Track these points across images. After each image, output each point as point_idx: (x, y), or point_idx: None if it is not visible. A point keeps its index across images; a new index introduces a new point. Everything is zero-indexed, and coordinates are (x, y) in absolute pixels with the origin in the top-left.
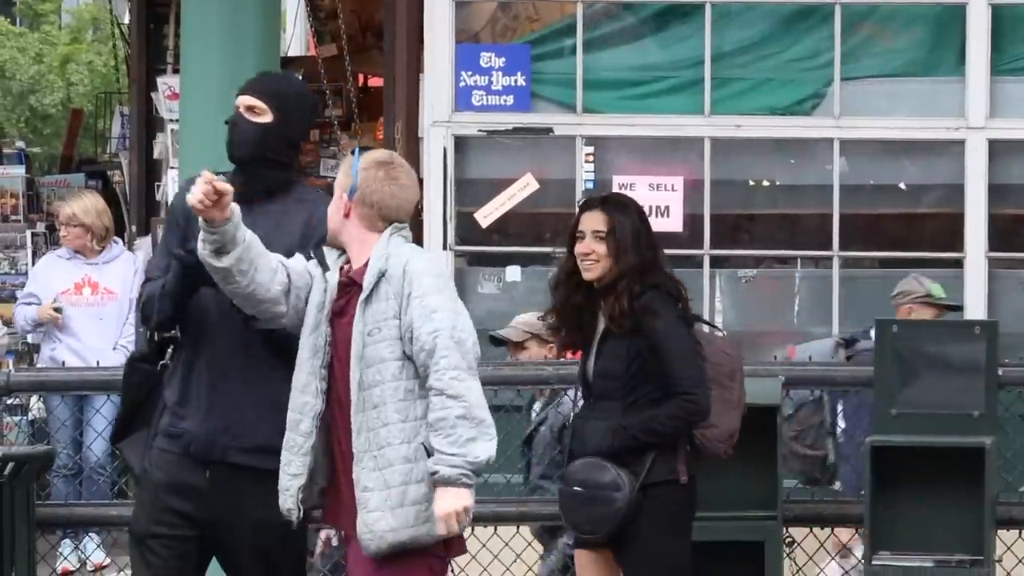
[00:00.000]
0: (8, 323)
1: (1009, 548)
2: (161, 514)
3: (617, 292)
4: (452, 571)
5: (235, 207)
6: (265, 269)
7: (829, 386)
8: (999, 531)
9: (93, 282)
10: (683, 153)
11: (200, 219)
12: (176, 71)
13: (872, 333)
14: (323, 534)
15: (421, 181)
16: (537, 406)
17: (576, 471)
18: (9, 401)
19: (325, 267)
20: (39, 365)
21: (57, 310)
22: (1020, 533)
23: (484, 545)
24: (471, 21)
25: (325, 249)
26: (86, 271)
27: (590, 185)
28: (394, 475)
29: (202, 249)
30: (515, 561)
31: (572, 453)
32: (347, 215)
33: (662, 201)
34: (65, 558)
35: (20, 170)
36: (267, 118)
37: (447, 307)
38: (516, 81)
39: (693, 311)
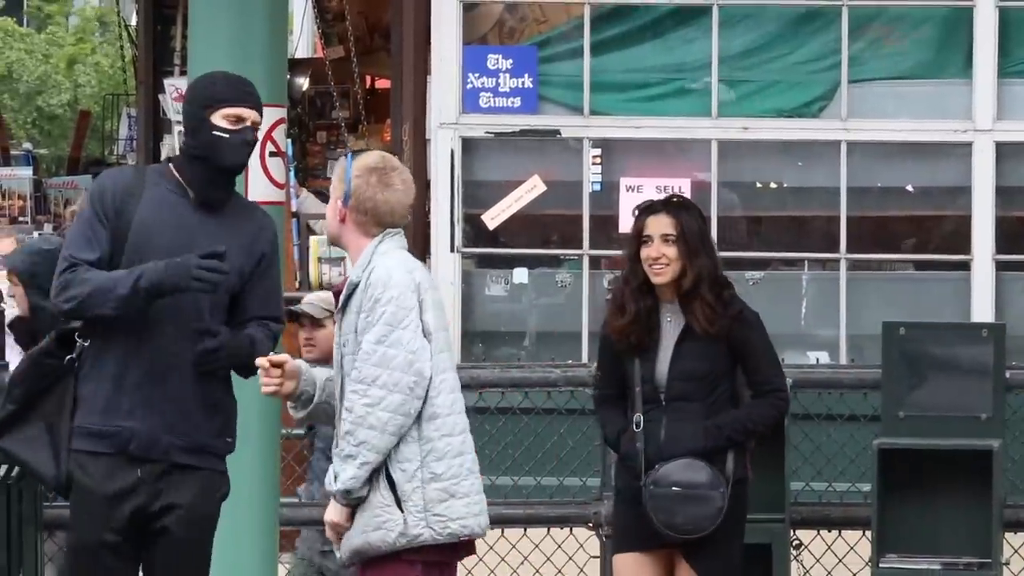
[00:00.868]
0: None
1: (1016, 551)
2: (109, 521)
3: (701, 296)
4: (459, 573)
5: (299, 364)
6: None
7: (836, 388)
8: (1007, 534)
9: None
10: (690, 155)
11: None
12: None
13: None
14: None
15: (428, 183)
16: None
17: (672, 472)
18: None
19: None
20: None
21: None
22: None
23: (492, 547)
24: (478, 23)
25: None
26: None
27: (597, 187)
28: None
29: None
30: (522, 563)
31: (648, 456)
32: (343, 220)
33: None
34: None
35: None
36: (258, 134)
37: (387, 320)
38: (523, 83)
39: None
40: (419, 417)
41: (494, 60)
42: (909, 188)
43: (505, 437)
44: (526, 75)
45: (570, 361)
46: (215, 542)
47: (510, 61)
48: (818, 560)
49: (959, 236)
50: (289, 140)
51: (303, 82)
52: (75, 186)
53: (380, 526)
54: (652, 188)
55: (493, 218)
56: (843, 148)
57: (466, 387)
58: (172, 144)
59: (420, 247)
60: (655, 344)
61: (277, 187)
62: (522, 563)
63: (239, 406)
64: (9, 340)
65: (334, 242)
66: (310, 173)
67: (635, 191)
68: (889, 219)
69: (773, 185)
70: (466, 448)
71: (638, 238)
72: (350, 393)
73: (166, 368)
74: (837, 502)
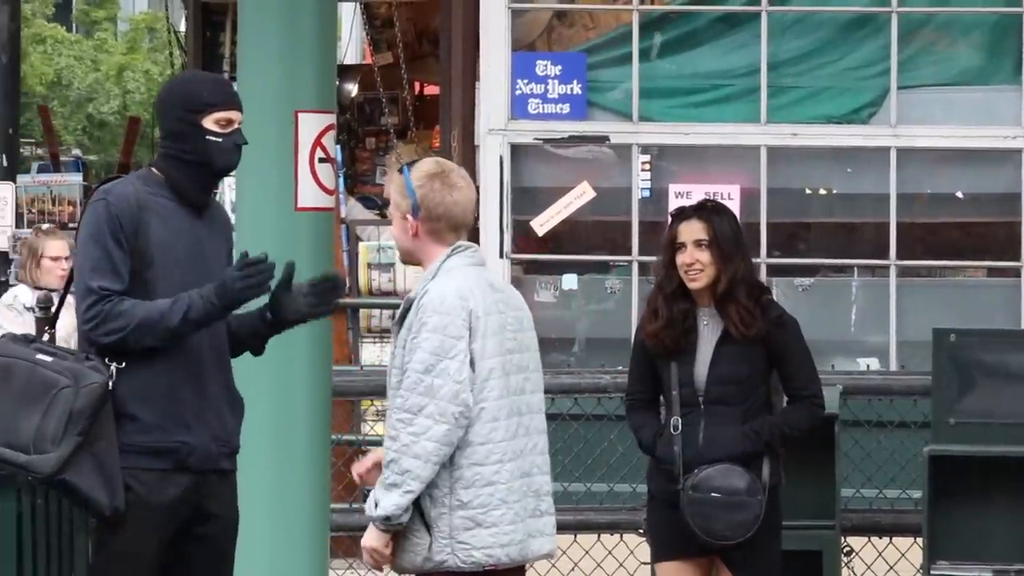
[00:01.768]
0: None
1: None
2: (159, 531)
3: (737, 299)
4: None
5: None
6: None
7: (886, 395)
8: None
9: None
10: (739, 161)
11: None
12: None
13: None
14: None
15: (477, 188)
16: None
17: (711, 477)
18: None
19: None
20: None
21: None
22: None
23: None
24: (527, 29)
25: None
26: None
27: (646, 194)
28: None
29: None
30: (572, 570)
31: (686, 460)
32: (416, 234)
33: None
34: None
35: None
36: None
37: (434, 350)
38: (572, 89)
39: None
40: None
41: (543, 66)
42: (959, 194)
43: (555, 443)
44: (575, 81)
45: (620, 367)
46: (267, 549)
47: (559, 67)
48: (869, 567)
49: (1009, 243)
50: (338, 146)
51: (352, 88)
52: None
53: (409, 548)
54: (701, 194)
55: (542, 224)
56: (892, 154)
57: None
58: None
59: None
60: (692, 347)
61: (327, 193)
62: (572, 569)
63: (286, 415)
64: None
65: (408, 260)
66: (359, 179)
67: (684, 197)
68: (939, 225)
69: (822, 191)
70: (499, 478)
71: (672, 244)
72: (395, 421)
73: (203, 375)
74: (888, 509)
